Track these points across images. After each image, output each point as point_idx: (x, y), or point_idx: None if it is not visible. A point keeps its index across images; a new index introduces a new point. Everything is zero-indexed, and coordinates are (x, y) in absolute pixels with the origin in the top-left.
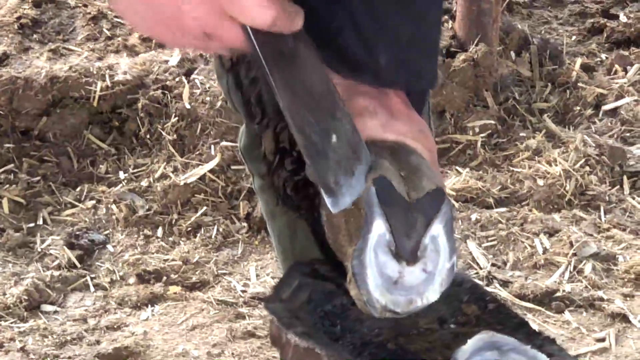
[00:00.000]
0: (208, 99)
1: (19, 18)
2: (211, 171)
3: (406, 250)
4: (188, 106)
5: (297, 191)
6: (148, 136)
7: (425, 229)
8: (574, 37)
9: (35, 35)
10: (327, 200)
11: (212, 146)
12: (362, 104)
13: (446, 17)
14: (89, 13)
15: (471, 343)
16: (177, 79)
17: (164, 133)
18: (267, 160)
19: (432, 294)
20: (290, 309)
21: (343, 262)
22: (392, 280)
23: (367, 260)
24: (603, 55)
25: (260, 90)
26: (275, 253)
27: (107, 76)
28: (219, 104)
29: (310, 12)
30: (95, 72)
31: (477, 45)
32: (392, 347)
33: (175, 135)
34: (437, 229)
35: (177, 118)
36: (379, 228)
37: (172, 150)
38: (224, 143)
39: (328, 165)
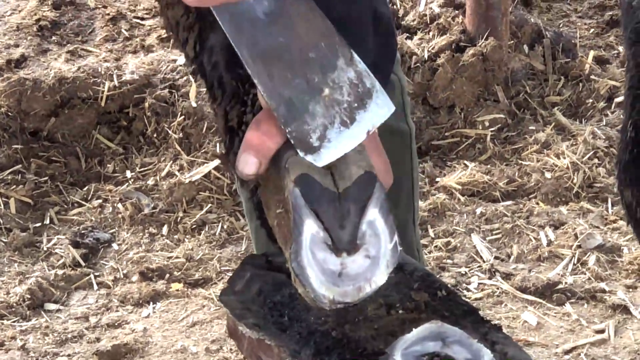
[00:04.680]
0: None
1: (38, 20)
2: (216, 169)
3: (343, 242)
4: (194, 105)
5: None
6: (155, 135)
7: (359, 216)
8: (592, 30)
9: (54, 37)
10: (308, 157)
11: (218, 144)
12: None
13: (456, 12)
14: (108, 14)
15: (416, 332)
16: (184, 78)
17: (170, 132)
18: (223, 143)
19: (380, 277)
20: (242, 301)
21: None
22: (335, 273)
23: (305, 261)
24: (620, 48)
25: (221, 73)
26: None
27: (114, 76)
28: None
29: None
30: (103, 72)
31: (486, 39)
32: (336, 335)
33: (181, 134)
34: (372, 213)
35: (183, 117)
36: (310, 228)
37: (179, 148)
38: None
39: (309, 123)
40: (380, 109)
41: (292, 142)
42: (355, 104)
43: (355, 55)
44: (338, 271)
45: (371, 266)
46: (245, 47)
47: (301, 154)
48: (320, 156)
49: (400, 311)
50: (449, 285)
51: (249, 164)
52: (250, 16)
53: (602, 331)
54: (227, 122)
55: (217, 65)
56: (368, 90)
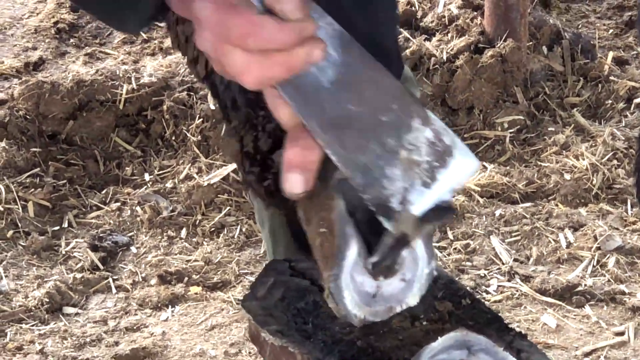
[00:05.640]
0: None
1: (56, 23)
2: (234, 171)
3: (383, 267)
4: (212, 107)
5: (271, 195)
6: (173, 138)
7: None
8: (611, 31)
9: (72, 40)
10: (387, 224)
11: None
12: None
13: (474, 13)
14: None
15: (441, 341)
16: None
17: (188, 134)
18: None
19: (412, 300)
20: (265, 307)
21: (320, 276)
22: (370, 294)
23: (344, 284)
24: (639, 49)
25: (235, 95)
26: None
27: (132, 79)
28: None
29: None
30: (121, 75)
31: (505, 40)
32: (361, 345)
33: (200, 137)
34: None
35: (201, 119)
36: (353, 252)
37: (197, 151)
38: None
39: (389, 188)
40: (462, 165)
41: (373, 208)
42: (436, 163)
43: (431, 113)
44: (373, 293)
45: (405, 289)
46: (313, 118)
47: (383, 220)
48: (403, 219)
49: (425, 322)
50: (471, 292)
51: (297, 183)
52: (316, 86)
53: (621, 333)
54: (242, 148)
55: (230, 86)
56: (448, 147)
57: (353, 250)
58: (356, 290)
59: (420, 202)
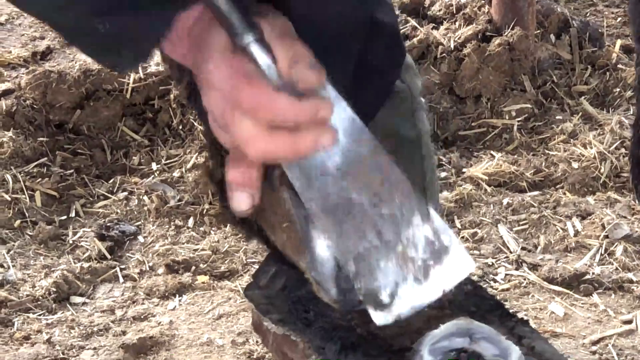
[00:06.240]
0: None
1: None
2: None
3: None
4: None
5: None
6: (181, 127)
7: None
8: (619, 19)
9: None
10: (373, 315)
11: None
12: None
13: (482, 1)
14: None
15: (444, 328)
16: None
17: (196, 123)
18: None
19: None
20: (267, 296)
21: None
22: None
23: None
24: None
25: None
26: None
27: (139, 68)
28: None
29: None
30: None
31: (512, 29)
32: (361, 332)
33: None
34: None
35: None
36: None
37: (204, 140)
38: None
39: (380, 280)
40: (457, 265)
41: (361, 297)
42: (431, 261)
43: (432, 211)
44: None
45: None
46: (315, 202)
47: (370, 309)
48: (391, 312)
49: (426, 308)
50: (474, 280)
51: (243, 201)
52: (322, 171)
53: (629, 322)
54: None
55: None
56: (445, 247)
57: (317, 230)
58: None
59: (410, 298)
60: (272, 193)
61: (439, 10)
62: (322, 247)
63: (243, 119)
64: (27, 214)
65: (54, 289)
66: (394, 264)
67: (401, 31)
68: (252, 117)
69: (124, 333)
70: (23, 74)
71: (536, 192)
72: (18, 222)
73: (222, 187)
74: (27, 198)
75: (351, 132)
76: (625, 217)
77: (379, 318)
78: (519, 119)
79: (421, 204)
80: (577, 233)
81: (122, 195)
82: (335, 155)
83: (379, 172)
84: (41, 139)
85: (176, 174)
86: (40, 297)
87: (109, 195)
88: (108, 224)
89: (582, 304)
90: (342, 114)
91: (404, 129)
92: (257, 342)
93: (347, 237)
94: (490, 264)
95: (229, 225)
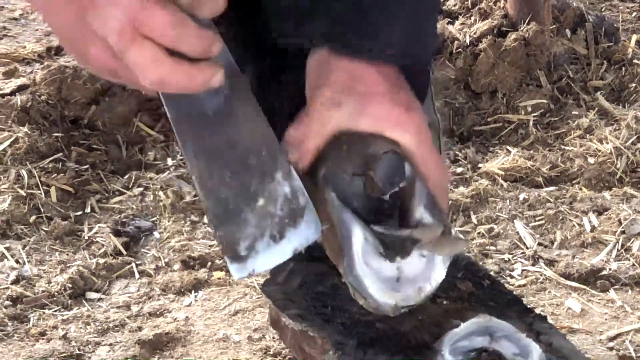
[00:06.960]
0: None
1: None
2: None
3: (395, 247)
4: None
5: None
6: None
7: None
8: (634, 14)
9: None
10: (230, 266)
11: None
12: (326, 94)
13: None
14: None
15: (464, 326)
16: None
17: None
18: None
19: (438, 274)
20: (285, 292)
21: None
22: (393, 279)
23: (361, 273)
24: None
25: None
26: None
27: None
28: None
29: None
30: None
31: (528, 24)
32: (380, 326)
33: None
34: (418, 211)
35: None
36: (358, 237)
37: None
38: None
39: (241, 230)
40: (309, 230)
41: (220, 246)
42: (287, 220)
43: (293, 170)
44: (395, 276)
45: (427, 264)
46: (190, 142)
47: (227, 259)
48: (246, 266)
49: (445, 301)
50: (492, 274)
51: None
52: (199, 112)
53: None
54: None
55: None
56: (301, 208)
57: (358, 235)
58: (377, 277)
59: (265, 255)
60: (316, 191)
61: (455, 5)
62: (360, 252)
63: (144, 42)
64: (42, 210)
65: (70, 285)
66: (254, 217)
67: None
68: (156, 40)
69: (139, 329)
70: (38, 69)
71: (552, 188)
72: (33, 217)
73: None
74: (43, 194)
75: (230, 78)
76: None
77: (235, 271)
78: (535, 114)
79: (284, 159)
80: (593, 229)
81: (137, 190)
82: (214, 98)
83: (250, 121)
84: (56, 134)
85: None
86: (55, 293)
87: (125, 190)
88: (124, 220)
89: (598, 300)
90: (225, 58)
91: (429, 111)
92: (273, 338)
93: (215, 181)
94: (507, 259)
95: None
